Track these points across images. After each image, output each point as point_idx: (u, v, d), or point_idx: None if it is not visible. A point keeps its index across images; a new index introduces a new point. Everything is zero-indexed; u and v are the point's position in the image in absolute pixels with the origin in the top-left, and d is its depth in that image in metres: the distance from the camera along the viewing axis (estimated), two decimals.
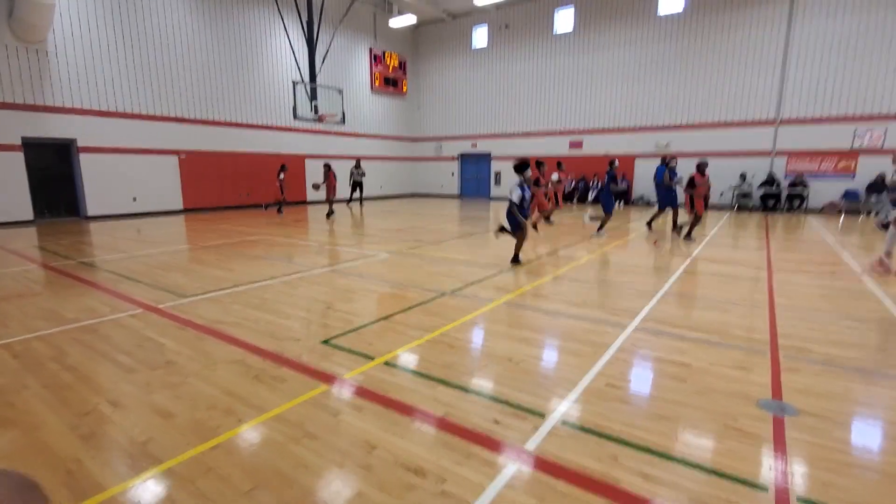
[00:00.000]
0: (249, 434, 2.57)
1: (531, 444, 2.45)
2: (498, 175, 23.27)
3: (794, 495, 2.08)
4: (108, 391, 3.07)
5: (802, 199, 16.10)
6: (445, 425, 2.64)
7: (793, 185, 16.23)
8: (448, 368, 3.41)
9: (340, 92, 16.41)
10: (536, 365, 3.53)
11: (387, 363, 3.50)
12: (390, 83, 23.40)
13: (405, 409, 2.82)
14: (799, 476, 2.21)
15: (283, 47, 18.01)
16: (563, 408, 2.84)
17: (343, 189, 17.62)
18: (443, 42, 23.83)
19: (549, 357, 3.75)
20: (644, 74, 18.59)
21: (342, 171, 18.30)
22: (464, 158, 24.50)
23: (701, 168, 9.65)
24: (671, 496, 2.07)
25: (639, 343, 3.92)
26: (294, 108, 14.44)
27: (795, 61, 15.79)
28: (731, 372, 3.34)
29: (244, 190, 17.56)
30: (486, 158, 23.62)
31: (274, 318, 4.58)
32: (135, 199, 14.62)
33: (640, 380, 3.31)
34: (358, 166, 17.42)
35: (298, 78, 17.10)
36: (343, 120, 16.22)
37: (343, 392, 3.06)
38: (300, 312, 4.77)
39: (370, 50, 22.13)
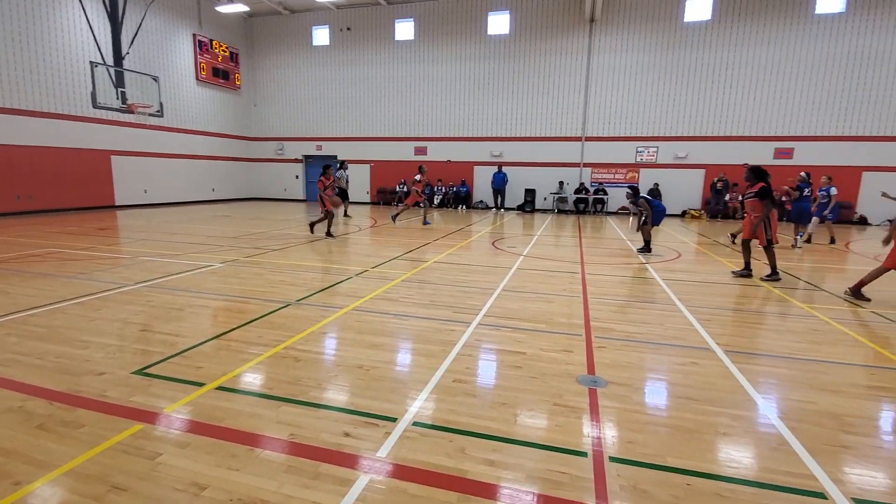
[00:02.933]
0: (31, 500, 2.03)
1: (383, 452, 2.42)
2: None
3: (606, 456, 2.43)
4: None
5: (603, 202, 19.34)
6: (290, 448, 2.45)
7: (597, 191, 19.41)
8: (293, 385, 3.18)
9: (156, 80, 14.31)
10: (388, 370, 3.52)
11: (220, 388, 3.12)
12: (220, 75, 21.21)
13: (243, 438, 2.53)
14: (609, 439, 2.60)
15: (78, 21, 14.95)
16: (415, 409, 2.88)
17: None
18: (281, 36, 22.49)
19: (401, 360, 3.78)
20: (477, 88, 20.18)
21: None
22: (308, 161, 23.46)
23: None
24: (513, 477, 2.24)
25: (482, 337, 4.20)
26: (93, 95, 12.10)
27: (595, 88, 18.85)
28: (557, 355, 3.79)
29: (25, 192, 14.09)
30: (332, 161, 22.93)
31: (67, 349, 3.73)
32: None
33: (484, 372, 3.55)
34: (344, 167, 15.12)
35: (99, 59, 14.34)
36: (161, 112, 14.16)
37: (163, 429, 2.62)
38: (105, 339, 3.97)
39: (194, 36, 19.74)
